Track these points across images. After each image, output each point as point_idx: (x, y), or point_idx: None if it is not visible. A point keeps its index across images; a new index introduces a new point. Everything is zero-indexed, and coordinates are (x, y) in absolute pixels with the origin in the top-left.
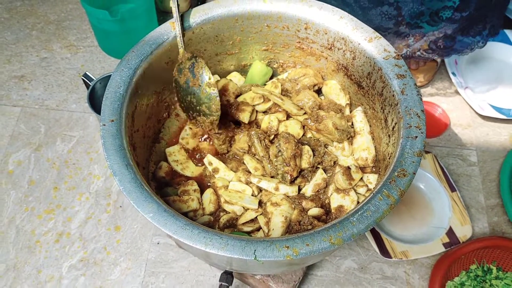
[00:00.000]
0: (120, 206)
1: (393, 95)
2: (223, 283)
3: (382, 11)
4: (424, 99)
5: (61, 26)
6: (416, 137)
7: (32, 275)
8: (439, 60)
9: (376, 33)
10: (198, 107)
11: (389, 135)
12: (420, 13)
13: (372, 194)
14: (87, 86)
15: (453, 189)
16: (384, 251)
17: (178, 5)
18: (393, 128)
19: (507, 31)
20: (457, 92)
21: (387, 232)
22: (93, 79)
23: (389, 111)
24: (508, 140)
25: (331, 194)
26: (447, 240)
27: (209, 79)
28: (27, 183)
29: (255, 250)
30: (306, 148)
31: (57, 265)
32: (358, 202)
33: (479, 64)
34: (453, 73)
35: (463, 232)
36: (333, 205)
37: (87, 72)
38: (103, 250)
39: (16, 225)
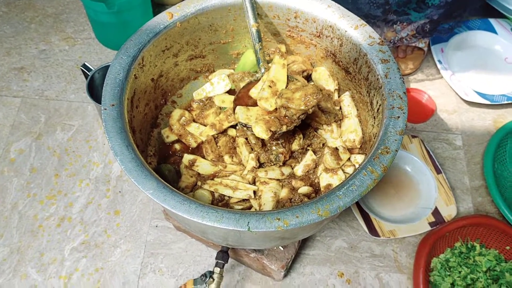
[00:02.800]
0: (119, 192)
1: (377, 79)
2: (219, 261)
3: (371, 0)
4: (411, 86)
5: (59, 19)
6: (399, 117)
7: (35, 257)
8: (425, 48)
9: (361, 20)
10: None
11: (374, 117)
12: (407, 1)
13: (357, 170)
14: (86, 76)
15: (438, 172)
16: (373, 230)
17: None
18: (377, 110)
19: (491, 20)
20: (442, 79)
21: (376, 213)
22: (91, 69)
23: (374, 94)
24: (492, 124)
25: (320, 173)
26: (433, 219)
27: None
28: (29, 171)
29: (248, 222)
30: (296, 130)
31: (59, 248)
32: None
33: (465, 52)
34: (439, 61)
35: (448, 212)
36: (322, 183)
37: (85, 63)
38: (103, 233)
39: (19, 210)
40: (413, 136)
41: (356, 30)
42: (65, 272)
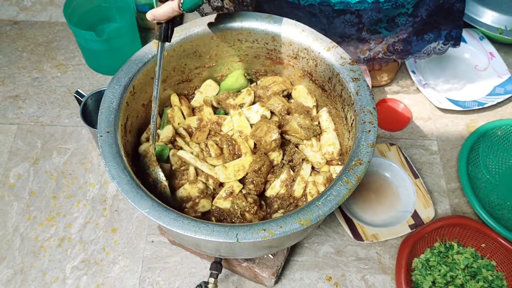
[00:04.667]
0: (116, 210)
1: (349, 96)
2: (213, 271)
3: (345, 19)
4: (388, 96)
5: (50, 47)
6: (370, 131)
7: (38, 277)
8: (399, 60)
9: (333, 43)
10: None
11: (349, 131)
12: (378, 20)
13: (334, 181)
14: (79, 102)
15: (416, 176)
16: (357, 235)
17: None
18: (351, 124)
19: None
20: (417, 89)
21: (359, 218)
22: (84, 95)
23: (348, 110)
24: (465, 129)
25: (297, 185)
26: (412, 222)
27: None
28: (28, 194)
29: (237, 234)
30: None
31: (61, 267)
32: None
33: (437, 61)
34: (413, 71)
35: (427, 214)
36: (297, 194)
37: (78, 90)
38: (102, 250)
39: (21, 233)
40: (391, 144)
41: (328, 52)
42: None
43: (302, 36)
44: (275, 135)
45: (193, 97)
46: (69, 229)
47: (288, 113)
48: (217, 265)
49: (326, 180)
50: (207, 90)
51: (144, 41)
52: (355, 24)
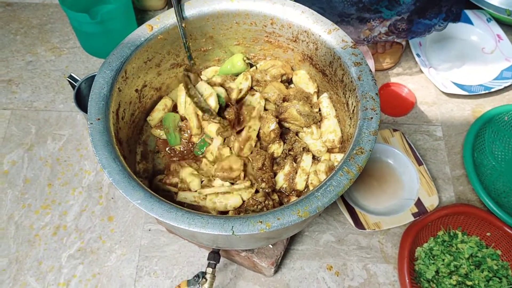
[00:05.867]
0: (112, 198)
1: (351, 81)
2: (211, 261)
3: None
4: (391, 80)
5: (43, 29)
6: (372, 118)
7: (33, 266)
8: (404, 43)
9: (334, 25)
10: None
11: (350, 118)
12: None
13: (334, 171)
14: (73, 86)
15: (420, 163)
16: (358, 224)
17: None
18: (353, 111)
19: (467, 11)
20: (422, 73)
21: (360, 206)
22: (78, 80)
23: (349, 96)
24: (471, 114)
25: (299, 178)
26: (416, 210)
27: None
28: (23, 182)
29: (232, 226)
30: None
31: (57, 256)
32: None
33: (442, 44)
34: (418, 54)
35: (431, 202)
36: (300, 187)
37: (72, 74)
38: (98, 239)
39: (15, 221)
40: (395, 130)
41: (329, 35)
42: (63, 279)
43: (302, 18)
44: (272, 125)
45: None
46: (64, 217)
47: (285, 101)
48: (215, 255)
49: (328, 168)
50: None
51: (140, 23)
52: (354, 3)
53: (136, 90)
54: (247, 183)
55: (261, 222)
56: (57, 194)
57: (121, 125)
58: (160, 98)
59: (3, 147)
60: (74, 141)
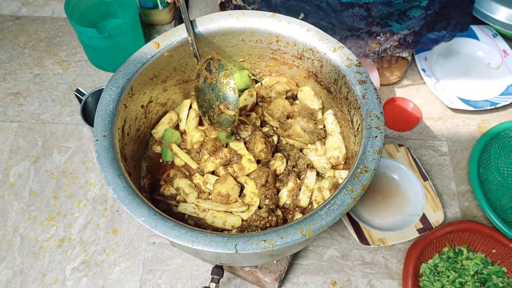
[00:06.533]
0: (117, 211)
1: (356, 99)
2: (214, 276)
3: (354, 13)
4: (397, 95)
5: (52, 43)
6: (376, 136)
7: (38, 278)
8: (409, 58)
9: (339, 43)
10: (217, 101)
11: (355, 135)
12: (389, 14)
13: (338, 189)
14: (80, 100)
15: (425, 179)
16: (363, 239)
17: (193, 32)
18: (357, 128)
19: (473, 27)
20: (427, 87)
21: (365, 221)
22: (84, 94)
23: (354, 114)
24: (476, 130)
25: (302, 195)
26: (421, 226)
27: (225, 70)
28: (28, 194)
29: (236, 245)
30: (279, 155)
31: (61, 268)
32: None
33: (448, 59)
34: (423, 69)
35: (436, 218)
36: (303, 204)
37: (79, 88)
38: (102, 252)
39: (20, 233)
40: (400, 145)
41: (334, 53)
42: None
43: (307, 36)
44: (260, 145)
45: None
46: (69, 230)
47: (289, 117)
48: (218, 269)
49: (332, 185)
50: None
51: (147, 38)
52: (364, 18)
53: (142, 106)
54: (244, 208)
55: (264, 240)
56: (62, 207)
57: (127, 140)
58: (165, 112)
59: (10, 159)
60: (80, 154)
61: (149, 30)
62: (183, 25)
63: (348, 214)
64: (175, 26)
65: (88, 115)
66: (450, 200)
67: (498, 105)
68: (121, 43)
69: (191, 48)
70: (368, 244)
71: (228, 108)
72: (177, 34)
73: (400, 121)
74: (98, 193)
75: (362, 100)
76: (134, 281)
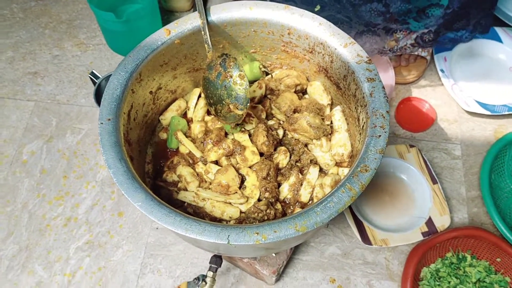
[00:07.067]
0: (123, 194)
1: (363, 97)
2: (212, 265)
3: (372, 8)
4: (413, 94)
5: (72, 25)
6: (380, 136)
7: (42, 255)
8: (428, 57)
9: (351, 39)
10: (228, 99)
11: (360, 133)
12: (407, 11)
13: (336, 187)
14: (94, 83)
15: (434, 181)
16: (365, 238)
17: (206, 19)
18: (363, 126)
19: (496, 28)
20: (445, 89)
21: (370, 221)
22: (99, 77)
23: (360, 111)
24: (492, 134)
25: (303, 190)
26: (426, 229)
27: (240, 71)
28: (39, 172)
29: (228, 235)
30: (283, 148)
31: (65, 247)
32: None
33: (468, 61)
34: (442, 70)
35: (442, 222)
36: (304, 199)
37: (93, 71)
38: (107, 233)
39: (29, 210)
40: (411, 146)
41: (345, 48)
42: (69, 270)
43: (319, 30)
44: (262, 138)
45: None
46: (76, 210)
47: (295, 112)
48: (217, 259)
49: (334, 182)
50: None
51: (166, 24)
52: (382, 14)
53: (151, 92)
54: (243, 200)
55: (257, 233)
56: (71, 187)
57: (132, 125)
58: (175, 100)
59: (24, 137)
60: (92, 136)
61: (168, 16)
62: (195, 13)
63: (352, 213)
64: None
65: (101, 98)
66: (458, 205)
67: None
68: (138, 28)
69: (202, 33)
70: (370, 244)
71: (237, 108)
72: (189, 22)
73: (414, 122)
74: (107, 176)
75: (369, 98)
76: (135, 264)
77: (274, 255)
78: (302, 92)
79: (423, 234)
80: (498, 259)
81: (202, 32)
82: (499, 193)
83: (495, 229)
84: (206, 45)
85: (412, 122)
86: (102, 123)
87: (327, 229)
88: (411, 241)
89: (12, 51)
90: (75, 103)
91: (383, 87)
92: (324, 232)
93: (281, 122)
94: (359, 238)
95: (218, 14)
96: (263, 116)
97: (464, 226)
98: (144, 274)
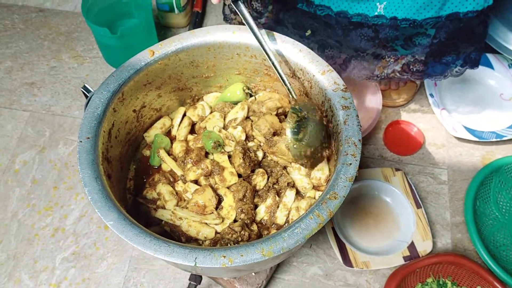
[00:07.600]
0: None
1: (337, 124)
2: (191, 282)
3: (362, 33)
4: (402, 118)
5: (70, 37)
6: (351, 164)
7: (29, 264)
8: (418, 81)
9: (329, 66)
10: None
11: (335, 159)
12: (395, 37)
13: (305, 213)
14: (86, 97)
15: (418, 206)
16: (347, 260)
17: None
18: (336, 153)
19: (488, 55)
20: (434, 113)
21: (353, 243)
22: (91, 91)
23: (335, 138)
24: (480, 161)
25: (279, 213)
26: (407, 253)
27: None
28: (31, 182)
29: (196, 258)
30: (261, 170)
31: (52, 257)
32: None
33: (459, 86)
34: (431, 94)
35: (424, 247)
36: (280, 222)
37: (86, 85)
38: (93, 245)
39: (19, 219)
40: (397, 169)
41: (323, 76)
42: (55, 280)
43: (299, 56)
44: (238, 160)
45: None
46: (64, 220)
47: (275, 134)
48: (196, 276)
49: (309, 206)
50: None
51: (161, 39)
52: (371, 39)
53: (134, 111)
54: (218, 220)
55: (224, 256)
56: (60, 197)
57: (114, 143)
58: (160, 117)
59: (18, 147)
60: None
61: (164, 32)
62: (179, 35)
63: (335, 234)
64: (189, 30)
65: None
66: (442, 230)
67: (505, 138)
68: (133, 43)
69: (282, 83)
70: (351, 266)
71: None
72: (173, 44)
73: (402, 145)
74: None
75: (343, 125)
76: (118, 277)
77: (253, 274)
78: (284, 115)
79: (405, 258)
80: (479, 287)
81: (282, 83)
82: (483, 220)
83: (477, 256)
84: (289, 95)
85: (399, 145)
86: (81, 141)
87: (310, 249)
88: (392, 265)
89: (10, 61)
90: (69, 114)
91: (357, 116)
92: (307, 252)
93: (261, 144)
94: (341, 260)
95: (202, 37)
96: (243, 137)
97: (445, 252)
98: (127, 287)
